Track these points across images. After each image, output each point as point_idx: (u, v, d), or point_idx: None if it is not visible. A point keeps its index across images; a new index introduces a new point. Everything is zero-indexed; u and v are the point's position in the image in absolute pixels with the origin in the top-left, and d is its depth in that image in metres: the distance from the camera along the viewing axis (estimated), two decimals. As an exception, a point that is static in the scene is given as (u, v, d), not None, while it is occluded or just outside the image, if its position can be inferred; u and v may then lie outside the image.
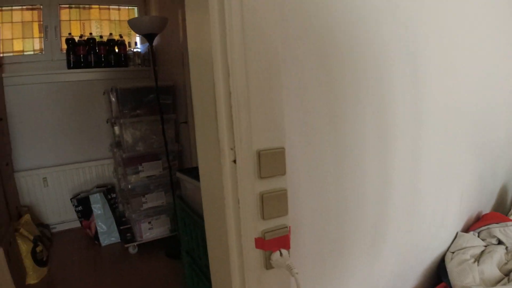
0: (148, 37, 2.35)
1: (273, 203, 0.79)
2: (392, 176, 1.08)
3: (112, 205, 2.95)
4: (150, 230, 2.65)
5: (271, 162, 0.77)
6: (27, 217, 2.76)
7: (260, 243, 0.79)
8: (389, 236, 1.13)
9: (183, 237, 1.74)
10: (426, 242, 1.32)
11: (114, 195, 3.00)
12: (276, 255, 0.80)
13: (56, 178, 3.12)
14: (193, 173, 1.59)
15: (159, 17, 2.31)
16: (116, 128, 2.78)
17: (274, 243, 0.80)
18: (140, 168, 2.56)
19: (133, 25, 2.32)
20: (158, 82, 2.59)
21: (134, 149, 2.56)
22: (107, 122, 3.00)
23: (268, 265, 0.82)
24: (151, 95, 2.58)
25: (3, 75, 2.98)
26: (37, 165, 3.15)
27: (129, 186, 2.53)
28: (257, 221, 0.79)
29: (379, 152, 1.02)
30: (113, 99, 2.59)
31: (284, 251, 0.81)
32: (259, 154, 0.75)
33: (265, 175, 0.77)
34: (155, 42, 3.24)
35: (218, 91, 0.77)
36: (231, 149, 0.77)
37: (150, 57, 3.30)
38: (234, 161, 0.77)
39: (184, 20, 2.44)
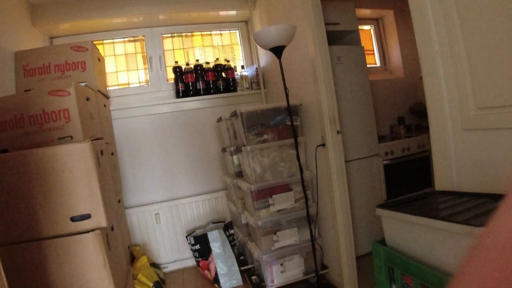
0: (276, 51, 1.91)
1: None
2: None
3: (230, 242, 2.49)
4: (282, 274, 2.13)
5: None
6: (144, 260, 2.39)
7: None
8: None
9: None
10: None
11: (232, 231, 2.54)
12: None
13: (168, 214, 2.75)
14: (403, 207, 1.05)
15: (287, 26, 1.85)
16: (236, 157, 2.34)
17: None
18: (270, 201, 2.08)
19: (259, 38, 1.89)
20: (279, 103, 2.14)
21: (262, 180, 2.09)
22: (223, 151, 2.59)
23: None
24: (277, 117, 2.12)
25: (110, 108, 2.71)
26: (148, 200, 2.81)
27: (259, 223, 2.04)
28: None
29: None
30: (235, 125, 2.16)
31: None
32: None
33: None
34: (264, 61, 2.84)
35: None
36: None
37: (261, 79, 2.89)
38: None
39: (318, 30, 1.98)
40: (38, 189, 1.43)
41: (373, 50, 3.69)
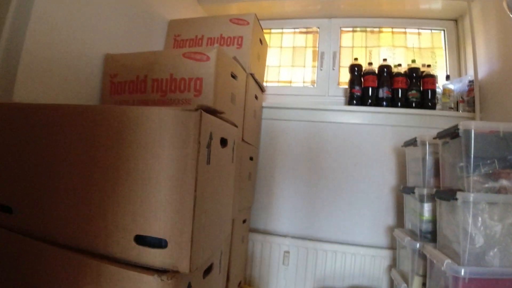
0: None
1: None
2: None
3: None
4: None
5: None
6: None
7: None
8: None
9: None
10: None
11: (389, 318, 1.56)
12: None
13: (302, 256, 1.95)
14: None
15: None
16: (429, 207, 1.37)
17: None
18: (492, 307, 1.04)
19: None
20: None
21: (482, 261, 1.07)
22: (405, 192, 1.64)
23: None
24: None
25: (263, 104, 2.11)
26: (278, 229, 2.07)
27: None
28: None
29: None
30: (444, 154, 1.22)
31: None
32: None
33: None
34: (485, 71, 1.77)
35: None
36: None
37: (477, 97, 1.83)
38: None
39: None
40: (101, 169, 0.80)
41: None
